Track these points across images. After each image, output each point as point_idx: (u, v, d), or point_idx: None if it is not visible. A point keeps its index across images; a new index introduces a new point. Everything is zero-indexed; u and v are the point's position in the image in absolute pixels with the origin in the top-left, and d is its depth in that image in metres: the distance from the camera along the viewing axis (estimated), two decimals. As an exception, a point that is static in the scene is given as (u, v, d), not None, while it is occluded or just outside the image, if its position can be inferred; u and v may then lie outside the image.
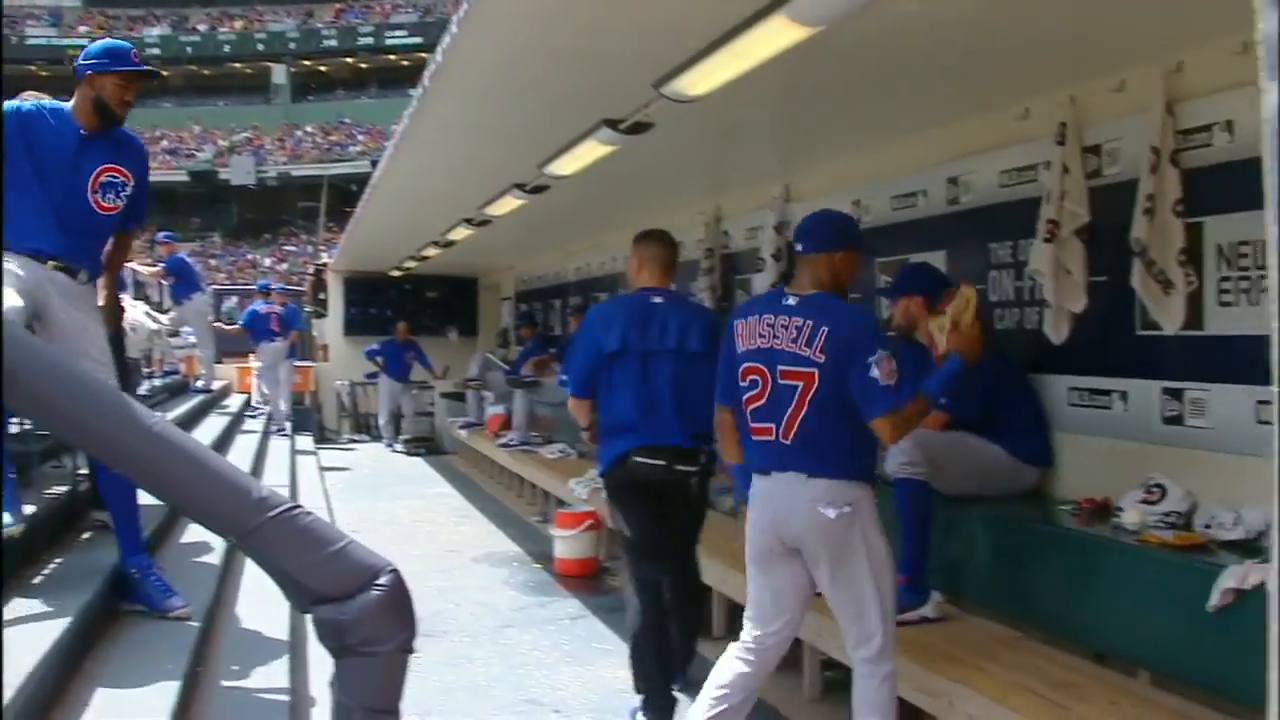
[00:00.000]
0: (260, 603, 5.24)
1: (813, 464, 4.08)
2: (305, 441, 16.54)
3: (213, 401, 14.03)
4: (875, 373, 4.00)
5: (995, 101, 6.02)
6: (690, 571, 5.78)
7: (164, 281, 14.18)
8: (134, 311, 11.01)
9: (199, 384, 14.18)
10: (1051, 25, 4.73)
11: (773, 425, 4.14)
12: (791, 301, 4.18)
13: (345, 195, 46.53)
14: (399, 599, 2.40)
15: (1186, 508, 4.77)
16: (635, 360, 5.39)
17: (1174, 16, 4.50)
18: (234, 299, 27.22)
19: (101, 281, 4.90)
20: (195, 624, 4.61)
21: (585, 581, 8.55)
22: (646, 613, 5.46)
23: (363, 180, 12.10)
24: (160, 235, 15.69)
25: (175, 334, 14.39)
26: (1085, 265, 5.40)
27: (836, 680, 5.60)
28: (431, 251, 15.37)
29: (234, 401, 15.79)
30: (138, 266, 13.36)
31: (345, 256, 19.24)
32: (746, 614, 4.43)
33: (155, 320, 12.25)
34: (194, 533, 6.19)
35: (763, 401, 4.18)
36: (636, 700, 5.47)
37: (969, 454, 5.42)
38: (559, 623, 7.43)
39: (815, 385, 4.05)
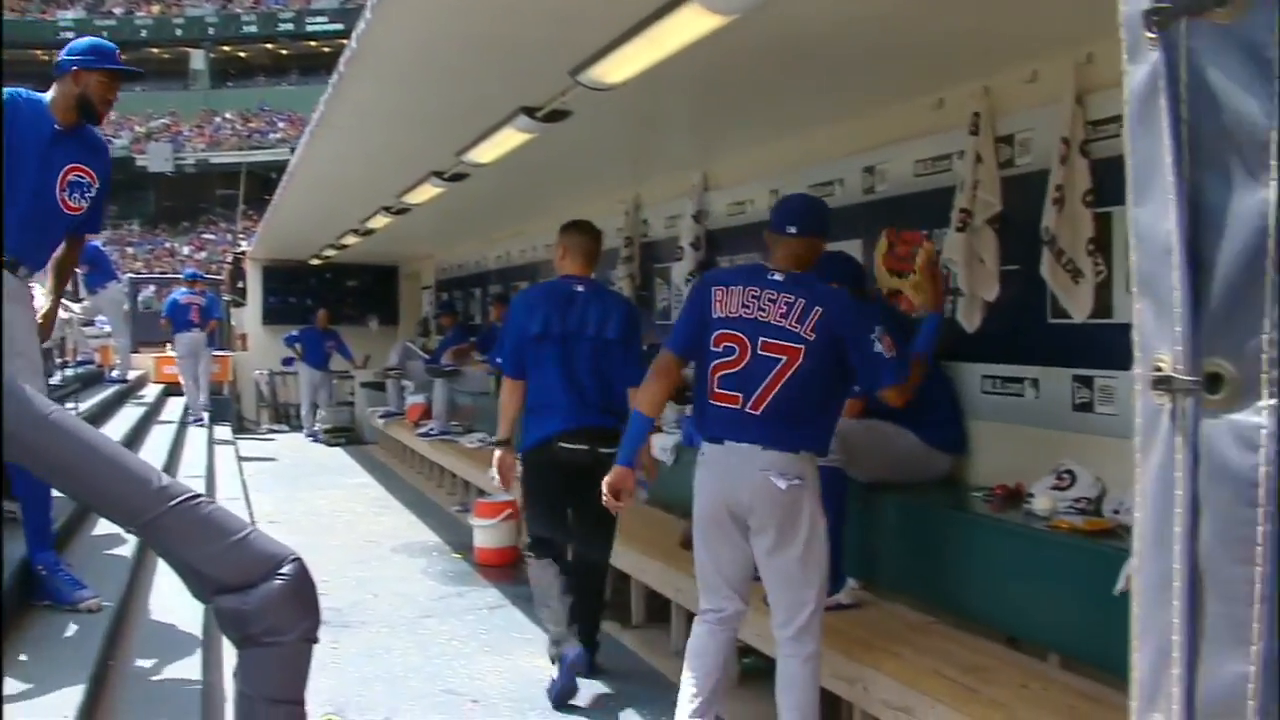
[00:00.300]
0: (174, 595, 5.13)
1: (772, 436, 4.18)
2: (223, 432, 16.33)
3: (128, 391, 13.82)
4: (880, 348, 4.27)
5: (910, 92, 6.06)
6: (600, 552, 6.02)
7: (78, 270, 13.94)
8: (45, 300, 10.81)
9: (114, 374, 13.98)
10: (965, 17, 4.76)
11: (740, 394, 4.21)
12: (778, 277, 4.29)
13: (265, 183, 45.93)
14: (302, 587, 2.37)
15: (1096, 493, 4.84)
16: (557, 344, 5.70)
17: (1085, 9, 4.53)
18: (151, 288, 26.75)
19: (49, 287, 4.84)
20: (106, 617, 4.54)
21: (504, 571, 8.51)
22: (552, 570, 5.83)
23: (283, 168, 11.95)
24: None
25: (90, 323, 14.16)
26: (998, 254, 5.44)
27: (755, 667, 5.63)
28: (351, 240, 15.22)
29: (150, 391, 15.55)
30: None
31: (264, 245, 19.01)
32: (699, 586, 4.50)
33: (67, 309, 12.05)
34: (106, 525, 6.08)
35: (737, 369, 4.23)
36: (554, 672, 5.65)
37: (884, 441, 5.46)
38: (477, 612, 7.39)
39: (798, 362, 4.17)
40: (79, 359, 13.73)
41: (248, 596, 2.33)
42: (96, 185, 4.58)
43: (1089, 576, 4.23)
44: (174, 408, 15.04)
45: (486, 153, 7.68)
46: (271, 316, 19.84)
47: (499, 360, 6.01)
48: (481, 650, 6.51)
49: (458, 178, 8.92)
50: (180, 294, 15.97)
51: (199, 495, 2.40)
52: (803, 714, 4.27)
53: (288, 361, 18.50)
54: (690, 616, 5.72)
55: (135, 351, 15.72)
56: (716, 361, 4.28)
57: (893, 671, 4.39)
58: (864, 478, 5.37)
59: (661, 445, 7.08)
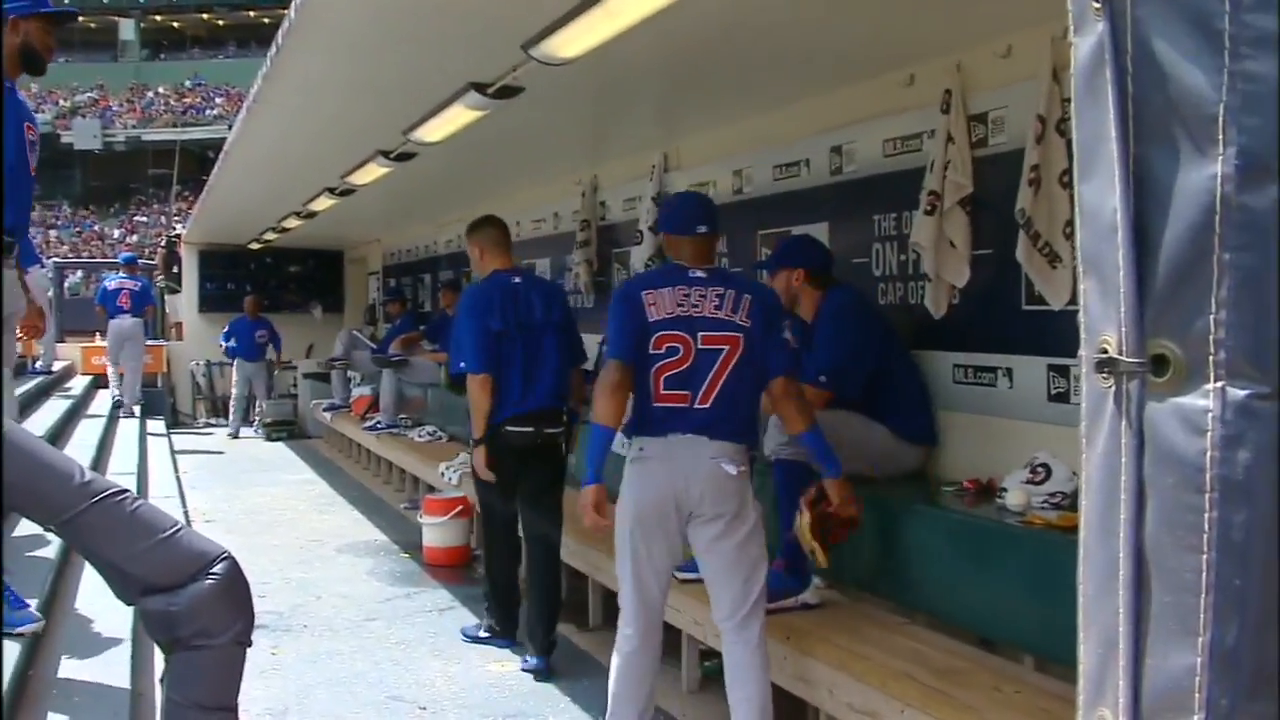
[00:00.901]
0: (99, 598, 5.11)
1: (720, 427, 4.47)
2: (157, 426, 16.23)
3: (54, 383, 13.72)
4: (787, 335, 4.72)
5: (879, 68, 6.08)
6: (551, 525, 6.42)
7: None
8: None
9: (38, 365, 13.87)
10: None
11: (689, 392, 4.47)
12: (700, 274, 4.61)
13: (202, 162, 45.64)
14: (234, 587, 2.37)
15: (1071, 488, 4.85)
16: (516, 336, 6.16)
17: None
18: (78, 273, 26.53)
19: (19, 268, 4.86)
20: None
21: (455, 571, 8.51)
22: (509, 548, 6.53)
23: (220, 146, 11.90)
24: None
25: (11, 311, 14.00)
26: (969, 237, 5.47)
27: (715, 670, 5.66)
28: (293, 223, 15.17)
29: (77, 383, 15.44)
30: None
31: (200, 228, 18.89)
32: (630, 593, 4.66)
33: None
34: (28, 524, 6.04)
35: (683, 368, 4.48)
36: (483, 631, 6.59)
37: (851, 433, 5.46)
38: (426, 614, 7.40)
39: (740, 349, 4.49)
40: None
41: (176, 597, 2.32)
42: (39, 142, 4.59)
43: (1064, 574, 4.22)
44: (103, 400, 14.95)
45: (435, 131, 7.67)
46: (208, 304, 19.69)
47: (463, 365, 6.37)
48: (430, 654, 6.52)
49: (405, 157, 8.91)
50: (111, 279, 15.85)
51: (124, 491, 2.39)
52: (758, 706, 4.50)
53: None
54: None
55: (61, 341, 15.59)
56: (660, 364, 4.50)
57: (860, 674, 4.41)
58: (831, 472, 5.40)
59: (623, 440, 7.11)
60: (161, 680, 2.40)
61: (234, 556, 2.39)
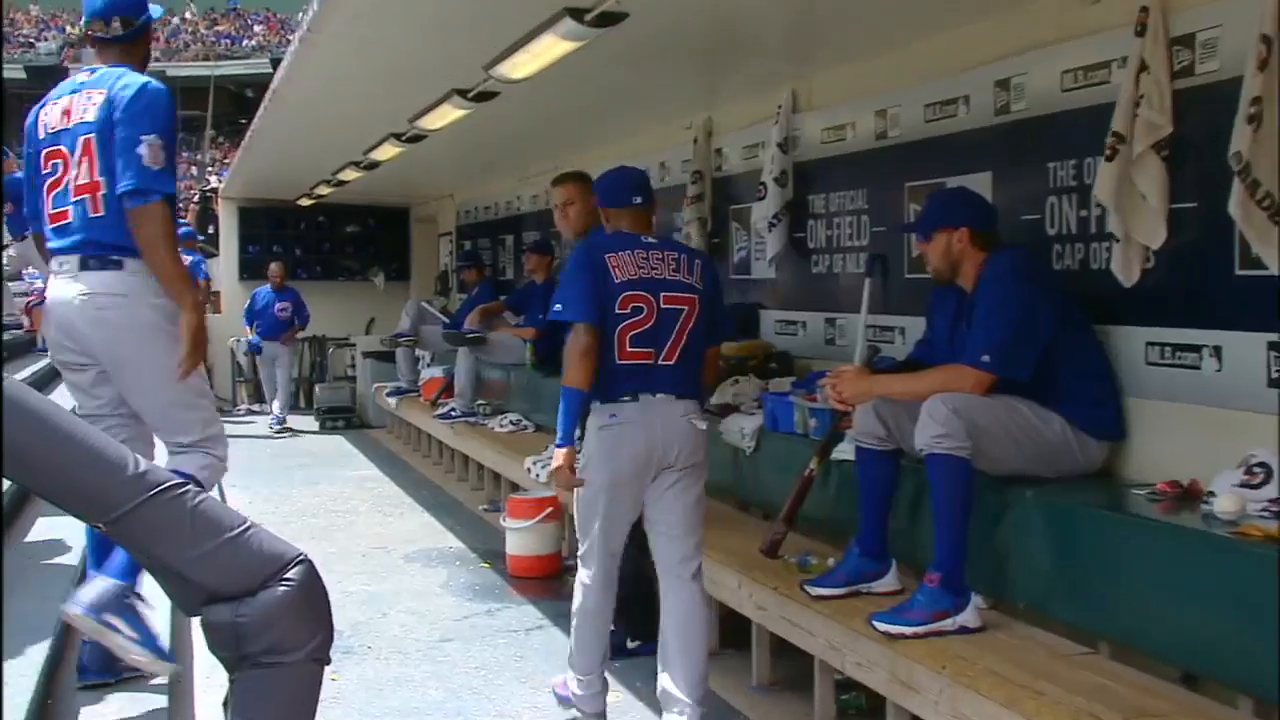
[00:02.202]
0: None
1: (683, 385, 5.49)
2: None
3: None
4: (723, 302, 5.95)
5: (1059, -18, 5.99)
6: None
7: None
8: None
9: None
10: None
11: (653, 350, 5.42)
12: (652, 240, 5.64)
13: (240, 102, 46.26)
14: (311, 595, 2.38)
15: (1298, 493, 4.76)
16: None
17: None
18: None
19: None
20: (44, 644, 4.54)
21: (544, 584, 8.55)
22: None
23: (260, 83, 12.00)
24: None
25: (17, 277, 14.07)
26: (1166, 189, 5.34)
27: (855, 705, 5.64)
28: (351, 175, 15.28)
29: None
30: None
31: (240, 180, 19.09)
32: (600, 545, 5.55)
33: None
34: (44, 527, 6.13)
35: (647, 326, 5.42)
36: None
37: (1020, 425, 5.40)
38: (511, 635, 7.45)
39: (696, 311, 5.50)
40: (5, 322, 13.73)
41: (244, 606, 2.33)
42: None
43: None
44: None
45: (522, 66, 7.67)
46: (250, 270, 19.77)
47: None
48: (516, 681, 6.57)
49: (485, 97, 8.94)
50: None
51: (185, 483, 2.40)
52: (699, 657, 5.47)
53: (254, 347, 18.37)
54: (773, 638, 6.10)
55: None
56: (625, 323, 5.40)
57: (1033, 713, 4.34)
58: (996, 470, 5.33)
59: (740, 428, 7.15)
60: (225, 704, 2.41)
61: (311, 560, 2.40)
